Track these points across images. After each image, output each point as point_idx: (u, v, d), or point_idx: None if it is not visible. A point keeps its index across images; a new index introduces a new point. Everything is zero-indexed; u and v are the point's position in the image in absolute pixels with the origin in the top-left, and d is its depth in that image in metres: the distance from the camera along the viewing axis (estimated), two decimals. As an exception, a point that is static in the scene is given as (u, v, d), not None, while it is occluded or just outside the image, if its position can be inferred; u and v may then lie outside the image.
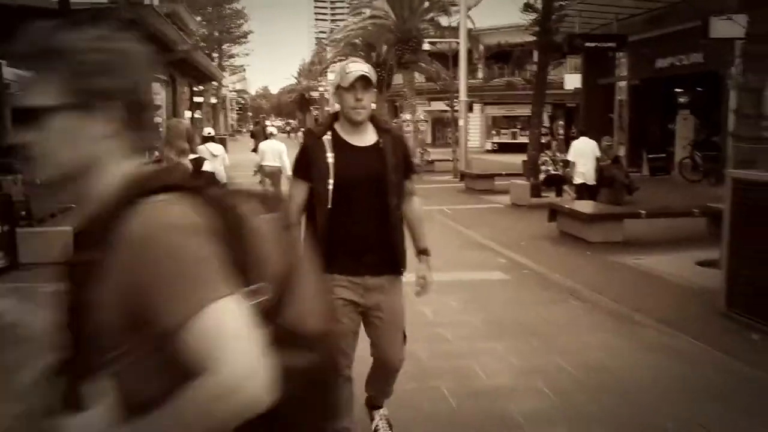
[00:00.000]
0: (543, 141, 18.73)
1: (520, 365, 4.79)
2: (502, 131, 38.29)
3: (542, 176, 14.34)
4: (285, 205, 1.29)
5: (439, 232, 10.37)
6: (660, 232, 9.80)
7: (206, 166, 5.27)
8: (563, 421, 3.90)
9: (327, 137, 3.04)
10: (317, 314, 1.23)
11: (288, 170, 11.87)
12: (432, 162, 23.38)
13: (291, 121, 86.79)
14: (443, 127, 38.66)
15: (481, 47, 31.86)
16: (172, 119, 9.17)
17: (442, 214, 12.49)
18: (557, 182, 14.05)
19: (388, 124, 3.43)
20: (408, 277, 3.24)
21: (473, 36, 25.74)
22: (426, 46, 27.20)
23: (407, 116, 26.09)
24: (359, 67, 3.01)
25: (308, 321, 1.20)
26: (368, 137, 3.09)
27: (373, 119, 3.12)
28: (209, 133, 11.51)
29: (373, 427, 3.52)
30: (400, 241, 3.13)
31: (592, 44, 19.74)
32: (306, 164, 3.04)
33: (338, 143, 3.03)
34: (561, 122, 32.05)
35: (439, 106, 33.72)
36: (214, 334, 1.01)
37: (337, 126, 3.09)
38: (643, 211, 9.89)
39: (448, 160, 21.82)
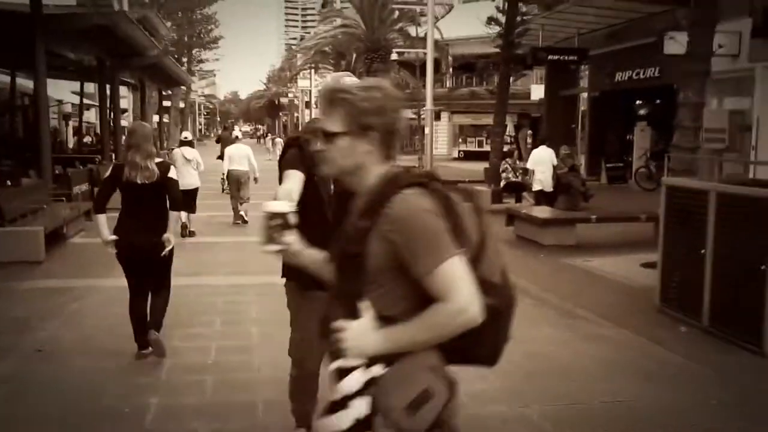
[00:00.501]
0: (506, 149, 19.27)
1: (470, 353, 5.19)
2: (469, 139, 38.98)
3: (503, 183, 14.84)
4: (477, 195, 1.87)
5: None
6: (611, 237, 10.38)
7: (172, 172, 4.89)
8: (504, 399, 4.33)
9: None
10: (498, 271, 1.80)
11: (256, 172, 12.11)
12: (399, 169, 23.76)
13: (260, 126, 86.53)
14: (411, 135, 39.15)
15: (450, 57, 32.53)
16: (136, 122, 8.94)
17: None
18: (517, 189, 14.56)
19: None
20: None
21: (440, 46, 26.32)
22: (394, 56, 27.76)
23: (375, 123, 26.46)
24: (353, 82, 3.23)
25: (493, 275, 1.77)
26: None
27: None
28: (185, 138, 11.52)
29: None
30: None
31: (555, 57, 20.43)
32: (300, 160, 3.04)
33: None
34: (529, 131, 32.69)
35: (407, 114, 34.20)
36: (451, 277, 1.64)
37: None
38: (593, 216, 10.45)
39: (414, 167, 22.28)
